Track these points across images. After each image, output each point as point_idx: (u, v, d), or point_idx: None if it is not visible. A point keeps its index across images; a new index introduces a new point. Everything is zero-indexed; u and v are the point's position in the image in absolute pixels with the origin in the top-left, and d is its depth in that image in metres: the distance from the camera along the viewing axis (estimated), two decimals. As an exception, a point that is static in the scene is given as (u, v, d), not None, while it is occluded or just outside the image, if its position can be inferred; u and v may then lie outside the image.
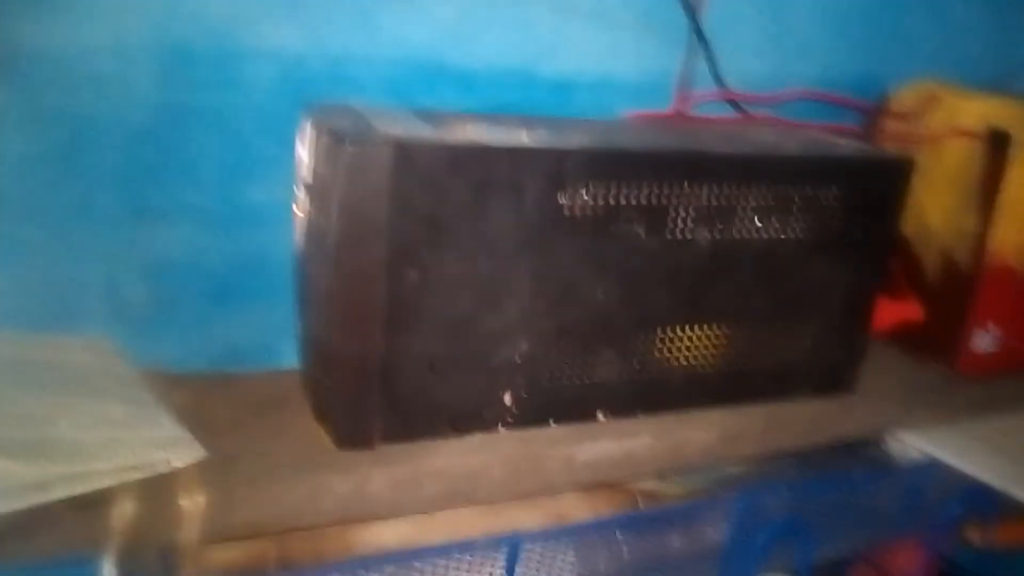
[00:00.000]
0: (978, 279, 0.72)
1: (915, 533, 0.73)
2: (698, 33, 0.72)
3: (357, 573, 0.51)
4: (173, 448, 0.50)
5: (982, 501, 0.69)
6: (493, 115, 0.62)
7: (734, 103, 0.75)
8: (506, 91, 0.71)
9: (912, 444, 0.72)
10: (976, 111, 0.71)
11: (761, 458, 0.75)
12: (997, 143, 0.70)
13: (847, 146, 0.66)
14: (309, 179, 0.52)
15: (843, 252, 0.65)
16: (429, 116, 0.57)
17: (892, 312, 0.72)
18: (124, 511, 0.47)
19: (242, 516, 0.50)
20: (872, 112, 0.77)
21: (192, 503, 0.49)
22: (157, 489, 0.48)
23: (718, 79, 0.74)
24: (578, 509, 0.65)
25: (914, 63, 0.82)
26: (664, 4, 0.73)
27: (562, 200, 0.54)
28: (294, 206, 0.56)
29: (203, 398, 0.60)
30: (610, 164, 0.55)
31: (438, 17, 0.66)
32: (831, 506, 0.67)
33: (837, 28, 0.82)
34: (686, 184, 0.57)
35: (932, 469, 0.71)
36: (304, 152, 0.53)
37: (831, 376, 0.69)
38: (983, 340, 0.75)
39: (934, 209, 0.75)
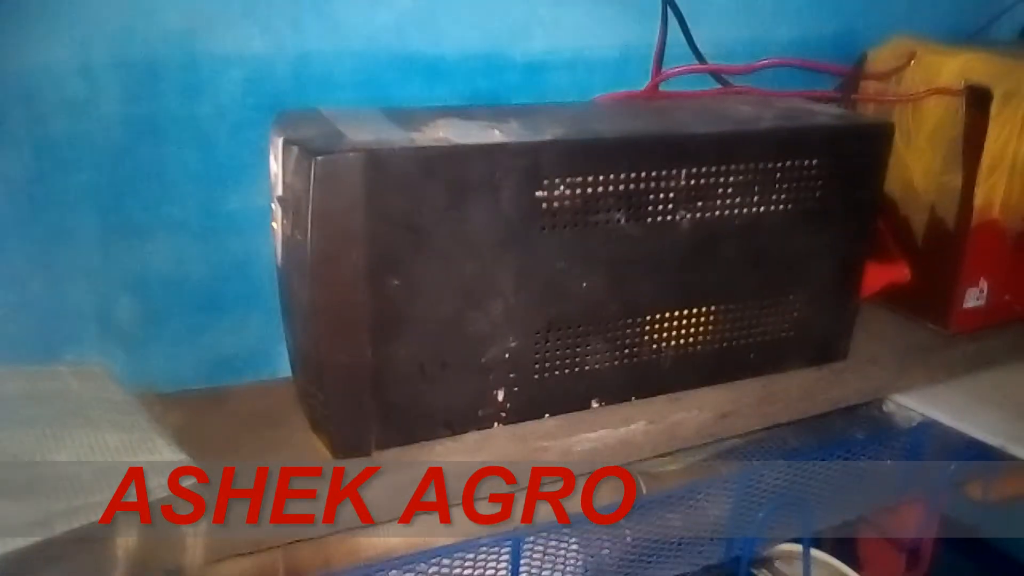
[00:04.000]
0: (965, 236, 0.72)
1: (916, 493, 0.73)
2: (671, 4, 0.70)
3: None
4: (168, 473, 0.50)
5: (980, 458, 0.70)
6: (464, 109, 0.61)
7: (713, 76, 0.74)
8: (478, 77, 0.70)
9: (907, 406, 0.72)
10: (954, 67, 0.71)
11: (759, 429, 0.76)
12: (976, 100, 0.69)
13: (825, 114, 0.66)
14: (282, 192, 0.51)
15: (827, 221, 0.64)
16: (398, 115, 0.57)
17: (879, 275, 0.72)
18: (127, 540, 0.47)
19: (243, 533, 0.51)
20: (850, 75, 0.76)
21: (195, 526, 0.49)
22: (157, 515, 0.49)
23: (695, 51, 0.73)
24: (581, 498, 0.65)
25: (890, 20, 0.81)
26: (636, -24, 0.72)
27: (540, 194, 0.54)
28: (272, 220, 0.56)
29: (198, 416, 0.60)
30: (586, 155, 0.54)
31: (400, 5, 0.65)
32: (830, 473, 0.68)
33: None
34: (664, 168, 0.57)
35: (929, 429, 0.71)
36: (276, 165, 0.52)
37: (823, 345, 0.69)
38: (973, 296, 0.75)
39: (918, 168, 0.75)
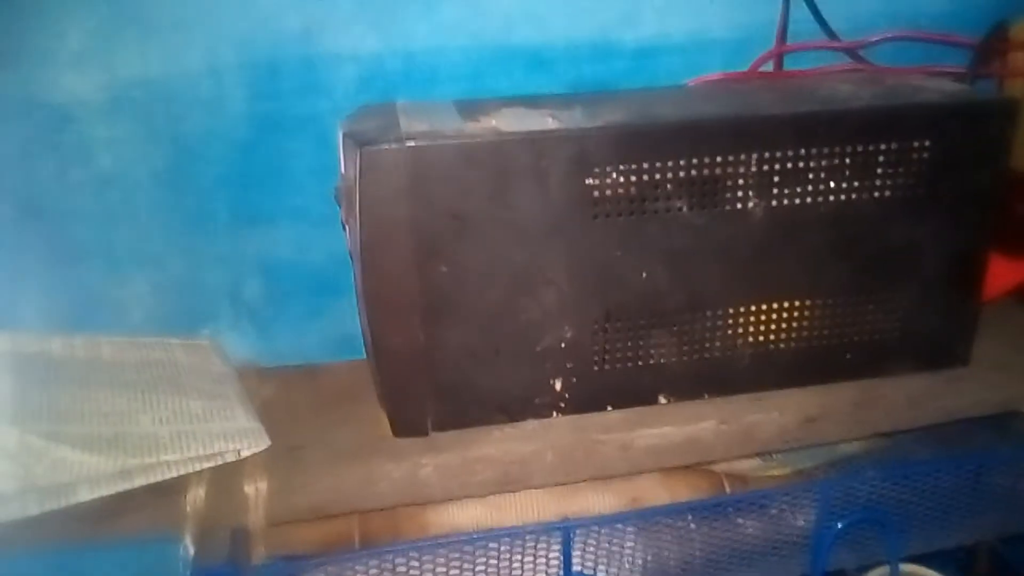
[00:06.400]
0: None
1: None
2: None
3: (410, 557, 0.54)
4: (242, 439, 0.55)
5: None
6: (539, 97, 0.61)
7: (847, 53, 0.68)
8: (584, 65, 0.70)
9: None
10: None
11: (884, 436, 0.70)
12: None
13: (936, 91, 0.59)
14: (340, 182, 0.54)
15: (936, 210, 0.58)
16: (468, 106, 0.58)
17: (1012, 272, 0.64)
18: (196, 497, 0.52)
19: (303, 500, 0.54)
20: (980, 48, 0.67)
21: (256, 489, 0.54)
22: (226, 476, 0.54)
23: (825, 28, 0.68)
24: (654, 493, 0.64)
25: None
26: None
27: (590, 182, 0.53)
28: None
29: (287, 390, 0.65)
30: (639, 141, 0.53)
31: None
32: (938, 491, 0.61)
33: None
34: (730, 153, 0.54)
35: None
36: (340, 156, 0.55)
37: (936, 348, 0.62)
38: None
39: (1073, 150, 0.65)
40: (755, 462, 0.70)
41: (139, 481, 0.51)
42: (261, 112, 0.66)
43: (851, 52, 0.69)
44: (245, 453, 0.54)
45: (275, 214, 0.69)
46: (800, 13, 0.70)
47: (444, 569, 0.55)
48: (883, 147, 0.55)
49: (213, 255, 0.69)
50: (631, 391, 0.59)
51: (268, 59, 0.65)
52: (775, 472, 0.70)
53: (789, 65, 0.70)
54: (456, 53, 0.67)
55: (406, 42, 0.66)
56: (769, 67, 0.69)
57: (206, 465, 0.53)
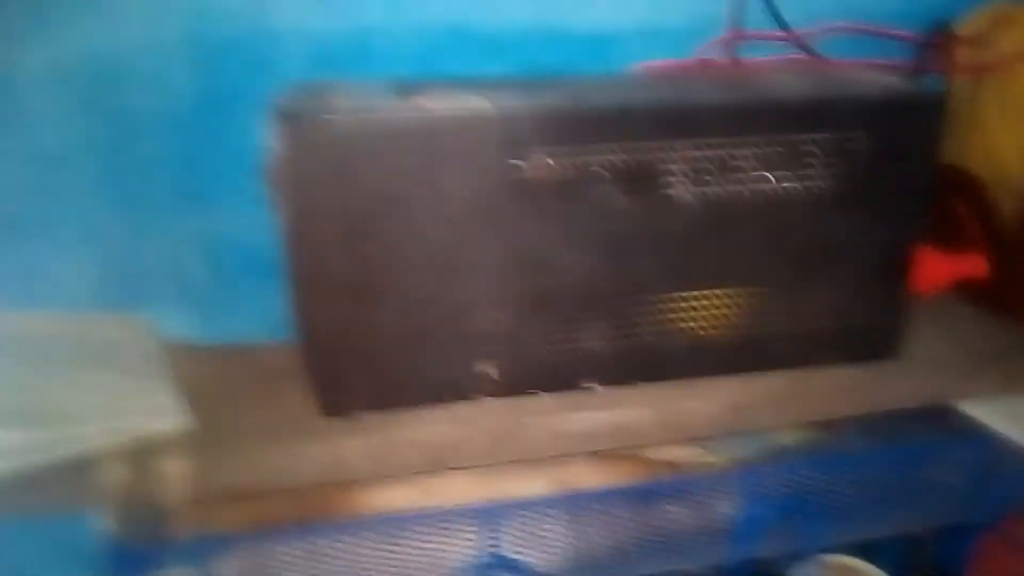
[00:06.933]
0: (1059, 226, 0.62)
1: (969, 516, 0.65)
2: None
3: (333, 537, 0.54)
4: (165, 416, 0.54)
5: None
6: (481, 79, 0.61)
7: (782, 42, 0.69)
8: (537, 49, 0.70)
9: (973, 416, 0.64)
10: (1052, 30, 0.61)
11: (821, 427, 0.70)
12: (1072, 67, 0.59)
13: (872, 83, 0.59)
14: (268, 157, 0.53)
15: (870, 203, 0.58)
16: (405, 87, 0.57)
17: (949, 267, 0.64)
18: (116, 473, 0.52)
19: (225, 479, 0.54)
20: (924, 43, 0.68)
21: (177, 467, 0.53)
22: (147, 454, 0.53)
23: (778, 20, 0.68)
24: (586, 478, 0.64)
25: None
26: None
27: (519, 165, 0.52)
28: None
29: (220, 369, 0.64)
30: (569, 125, 0.52)
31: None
32: (864, 482, 0.61)
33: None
34: (663, 140, 0.54)
35: (994, 445, 0.62)
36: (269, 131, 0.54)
37: (867, 341, 0.63)
38: (1070, 297, 0.64)
39: (1011, 147, 0.66)
40: (692, 450, 0.70)
41: (56, 454, 0.50)
42: (207, 88, 0.65)
43: (802, 44, 0.69)
44: (167, 430, 0.54)
45: (220, 193, 0.68)
46: (756, 3, 0.70)
47: (369, 551, 0.55)
48: (815, 138, 0.55)
49: (156, 232, 0.68)
50: (562, 376, 0.59)
51: (214, 34, 0.64)
52: (711, 460, 0.70)
53: (745, 56, 0.70)
54: (408, 34, 0.67)
55: (357, 21, 0.66)
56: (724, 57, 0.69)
57: (127, 441, 0.52)
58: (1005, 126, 0.65)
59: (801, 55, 0.69)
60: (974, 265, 0.65)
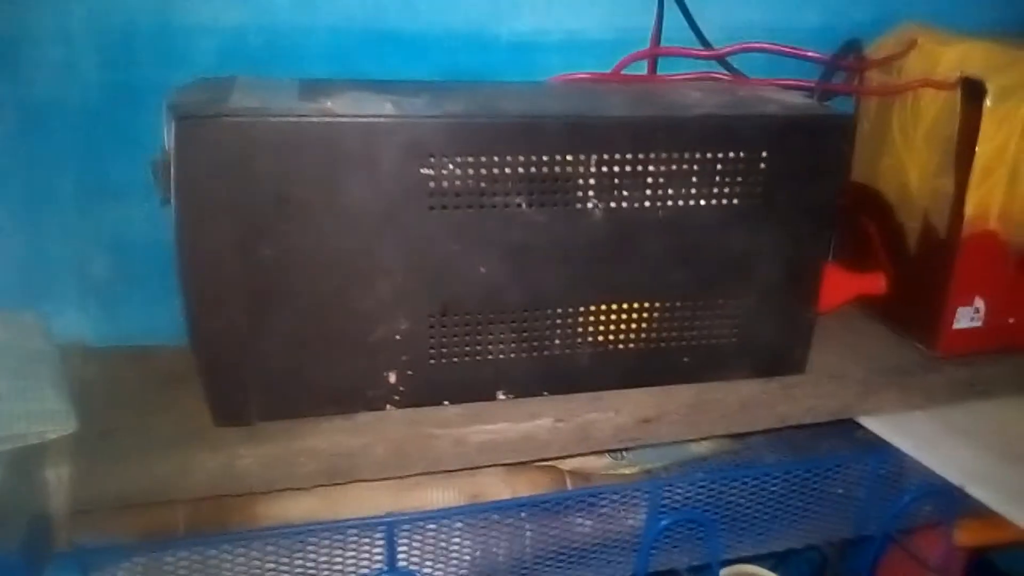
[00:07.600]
0: (956, 247, 0.64)
1: (867, 529, 0.66)
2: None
3: (223, 549, 0.52)
4: (46, 421, 0.52)
5: (944, 498, 0.62)
6: (390, 83, 0.60)
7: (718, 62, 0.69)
8: (459, 55, 0.69)
9: (873, 430, 0.65)
10: (953, 57, 0.63)
11: (728, 439, 0.71)
12: (970, 93, 0.61)
13: (779, 103, 0.60)
14: (161, 156, 0.52)
15: (775, 220, 0.59)
16: (312, 87, 0.56)
17: (850, 285, 0.65)
18: (-9, 481, 0.49)
19: (110, 487, 0.52)
20: (830, 64, 0.69)
21: (59, 474, 0.51)
22: (26, 460, 0.51)
23: (699, 36, 0.69)
24: (493, 489, 0.63)
25: (901, 5, 0.73)
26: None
27: (425, 172, 0.52)
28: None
29: (113, 372, 0.62)
30: (477, 134, 0.52)
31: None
32: (769, 495, 0.62)
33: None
34: (570, 153, 0.53)
35: (891, 459, 0.64)
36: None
37: (772, 355, 0.64)
38: (967, 316, 0.66)
39: (914, 170, 0.67)
40: (605, 460, 0.70)
41: (-76, 463, 0.47)
42: (114, 81, 0.62)
43: (721, 60, 0.70)
44: (49, 436, 0.52)
45: (126, 189, 0.65)
46: (679, 20, 0.70)
47: (260, 563, 0.54)
48: (721, 156, 0.56)
49: (57, 228, 0.65)
50: (468, 386, 0.58)
51: (122, 25, 0.61)
52: (624, 471, 0.70)
53: (664, 70, 0.71)
54: (323, 32, 0.65)
55: (270, 17, 0.64)
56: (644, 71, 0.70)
57: (4, 447, 0.50)
58: (908, 148, 0.67)
59: (719, 72, 0.70)
60: (874, 284, 0.66)
